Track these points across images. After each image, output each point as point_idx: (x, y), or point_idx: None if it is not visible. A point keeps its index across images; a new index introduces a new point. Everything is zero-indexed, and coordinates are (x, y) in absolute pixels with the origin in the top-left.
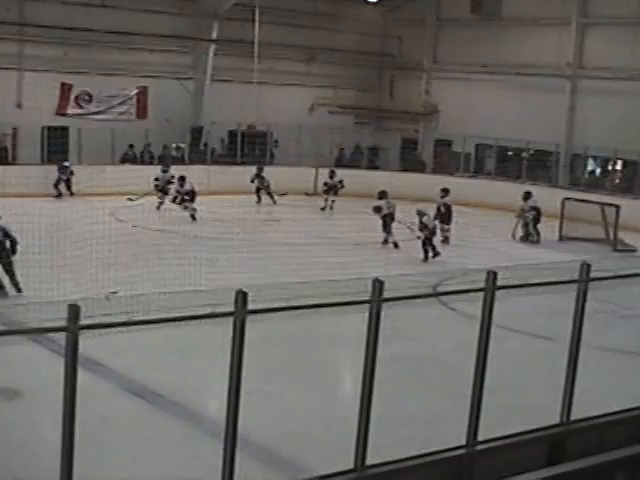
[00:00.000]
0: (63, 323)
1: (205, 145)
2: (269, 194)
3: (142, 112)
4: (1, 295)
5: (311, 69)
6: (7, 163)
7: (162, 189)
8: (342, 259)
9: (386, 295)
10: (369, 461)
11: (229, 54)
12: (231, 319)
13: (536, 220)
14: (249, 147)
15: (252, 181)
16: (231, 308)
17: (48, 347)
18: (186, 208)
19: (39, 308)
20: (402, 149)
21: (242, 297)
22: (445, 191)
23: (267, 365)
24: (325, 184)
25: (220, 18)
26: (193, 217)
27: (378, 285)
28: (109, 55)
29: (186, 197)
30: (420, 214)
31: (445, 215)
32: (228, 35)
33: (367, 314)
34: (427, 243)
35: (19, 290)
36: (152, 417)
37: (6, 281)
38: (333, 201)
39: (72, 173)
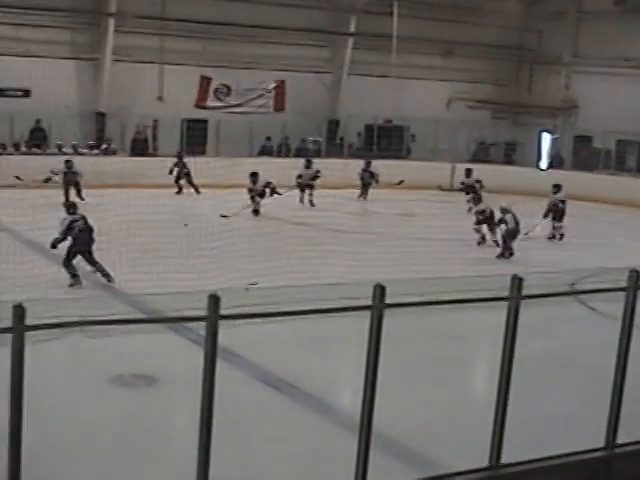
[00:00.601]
0: (202, 313)
1: (341, 139)
2: (364, 188)
3: (280, 105)
4: (76, 283)
5: (449, 63)
6: (147, 155)
7: (306, 185)
8: (477, 255)
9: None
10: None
11: (366, 48)
12: (364, 312)
13: None
14: (385, 141)
15: (361, 177)
16: (366, 302)
17: (186, 336)
18: (254, 202)
19: (178, 298)
20: (540, 144)
21: (380, 291)
22: (557, 187)
23: (400, 359)
24: (462, 183)
25: (358, 12)
26: (256, 212)
27: (517, 282)
28: (248, 49)
29: (262, 194)
30: (503, 211)
31: (558, 212)
32: (366, 29)
33: (504, 311)
34: (504, 238)
35: (109, 279)
36: (285, 408)
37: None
38: (470, 202)
39: (184, 165)
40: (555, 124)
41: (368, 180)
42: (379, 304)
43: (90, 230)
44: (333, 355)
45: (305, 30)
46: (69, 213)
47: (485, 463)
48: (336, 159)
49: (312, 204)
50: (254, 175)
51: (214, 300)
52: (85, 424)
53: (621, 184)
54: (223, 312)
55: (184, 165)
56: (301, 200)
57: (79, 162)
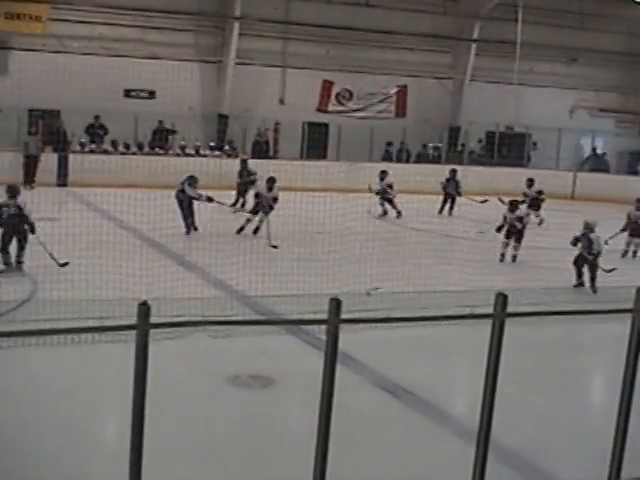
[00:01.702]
0: (321, 316)
1: (462, 145)
2: (452, 202)
3: (401, 111)
4: (7, 271)
5: (573, 70)
6: (268, 157)
7: (383, 197)
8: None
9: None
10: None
11: (489, 54)
12: (480, 319)
13: None
14: (506, 149)
15: (444, 188)
16: (483, 309)
17: (303, 339)
18: (248, 220)
19: (297, 300)
20: None
21: (502, 300)
22: None
23: (517, 369)
24: (524, 194)
25: (482, 18)
26: (243, 227)
27: None
28: (370, 53)
29: (272, 204)
30: (587, 228)
31: (637, 230)
32: (489, 35)
33: (625, 323)
34: (581, 262)
35: (19, 265)
36: (400, 413)
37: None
38: (537, 216)
39: (249, 173)
40: None
41: (452, 191)
42: (500, 313)
43: (22, 218)
44: (449, 362)
45: (428, 36)
46: (9, 198)
47: (603, 478)
48: (456, 166)
49: (397, 214)
50: (271, 180)
51: (336, 303)
52: (201, 423)
53: None
54: (344, 316)
55: (249, 173)
56: (398, 215)
57: (202, 163)
